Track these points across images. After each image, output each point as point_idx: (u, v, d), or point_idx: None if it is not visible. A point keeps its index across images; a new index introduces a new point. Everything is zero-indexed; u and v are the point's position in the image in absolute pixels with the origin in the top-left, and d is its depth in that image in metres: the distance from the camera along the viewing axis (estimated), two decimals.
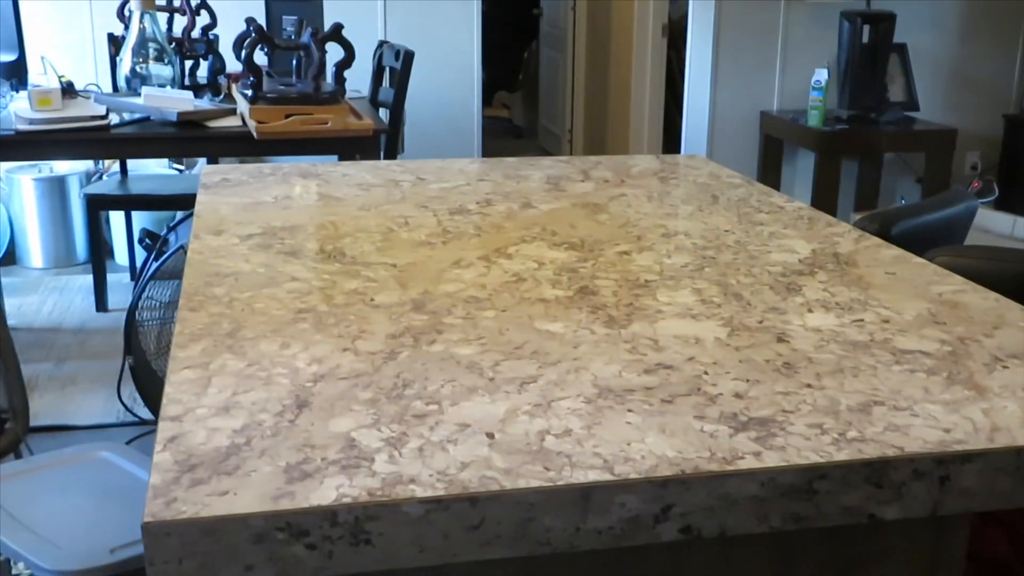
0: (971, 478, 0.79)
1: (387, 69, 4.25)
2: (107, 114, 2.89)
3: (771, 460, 0.76)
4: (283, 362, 0.93)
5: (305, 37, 2.94)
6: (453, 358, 0.94)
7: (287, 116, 2.74)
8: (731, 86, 4.72)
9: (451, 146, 5.06)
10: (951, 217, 2.30)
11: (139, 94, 3.03)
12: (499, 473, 0.73)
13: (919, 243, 1.76)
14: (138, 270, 3.40)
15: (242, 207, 1.50)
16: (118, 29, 3.47)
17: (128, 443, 2.65)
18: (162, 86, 3.15)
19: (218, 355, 0.94)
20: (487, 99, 6.81)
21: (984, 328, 1.05)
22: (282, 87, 2.86)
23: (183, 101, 2.98)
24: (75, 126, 2.79)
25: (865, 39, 4.41)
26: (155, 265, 2.44)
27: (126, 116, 2.94)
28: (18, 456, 1.76)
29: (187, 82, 3.38)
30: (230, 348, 0.96)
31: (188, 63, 3.44)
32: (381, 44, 4.47)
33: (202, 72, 3.51)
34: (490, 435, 0.79)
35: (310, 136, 2.78)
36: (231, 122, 2.93)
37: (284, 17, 4.10)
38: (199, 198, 1.56)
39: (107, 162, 4.28)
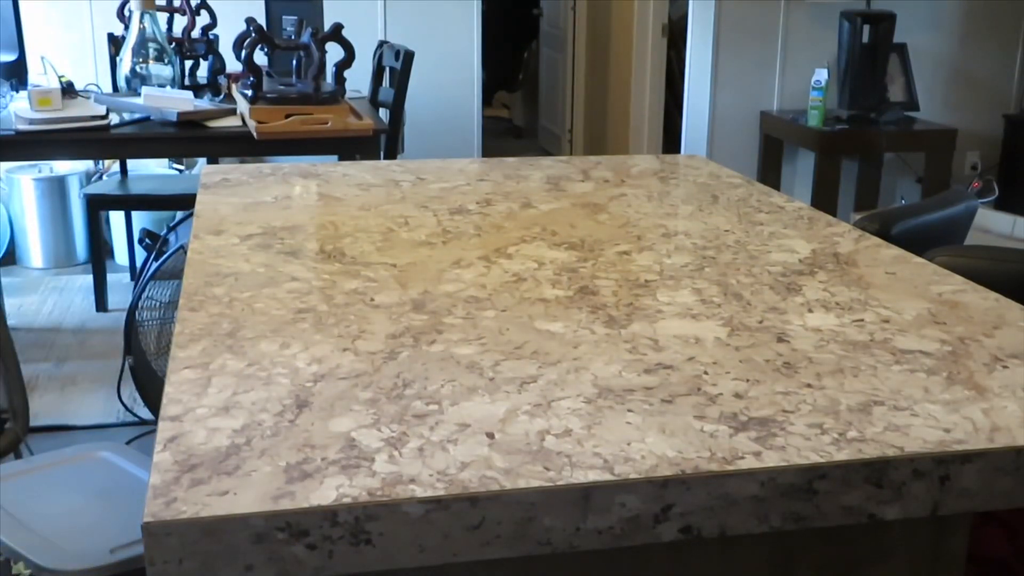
0: (971, 478, 0.79)
1: (387, 69, 4.25)
2: (107, 114, 2.89)
3: (771, 460, 0.76)
4: (283, 362, 0.93)
5: (305, 37, 2.94)
6: (453, 358, 0.94)
7: (287, 116, 2.74)
8: (731, 86, 4.72)
9: (451, 146, 5.06)
10: (951, 217, 2.30)
11: (139, 94, 3.03)
12: (499, 473, 0.73)
13: (919, 243, 1.76)
14: (138, 270, 3.40)
15: (242, 207, 1.50)
16: (118, 29, 3.47)
17: (128, 443, 2.65)
18: (162, 86, 3.15)
19: (218, 355, 0.94)
20: (487, 99, 6.81)
21: (984, 328, 1.05)
22: (282, 87, 2.87)
23: (183, 101, 2.98)
24: (75, 126, 2.79)
25: (865, 39, 4.41)
26: (155, 265, 2.44)
27: (126, 116, 2.94)
28: (18, 456, 1.76)
29: (187, 82, 3.38)
30: (230, 348, 0.96)
31: (188, 63, 3.44)
32: (381, 44, 4.47)
33: (202, 72, 3.51)
34: (490, 435, 0.79)
35: (310, 136, 2.78)
36: (231, 122, 2.93)
37: (284, 17, 4.10)
38: (199, 198, 1.56)
39: (107, 162, 4.28)
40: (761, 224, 1.46)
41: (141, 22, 3.15)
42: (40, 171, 4.18)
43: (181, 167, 4.41)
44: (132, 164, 4.14)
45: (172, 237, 2.59)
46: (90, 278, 3.81)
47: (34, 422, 2.35)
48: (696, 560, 0.85)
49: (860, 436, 0.80)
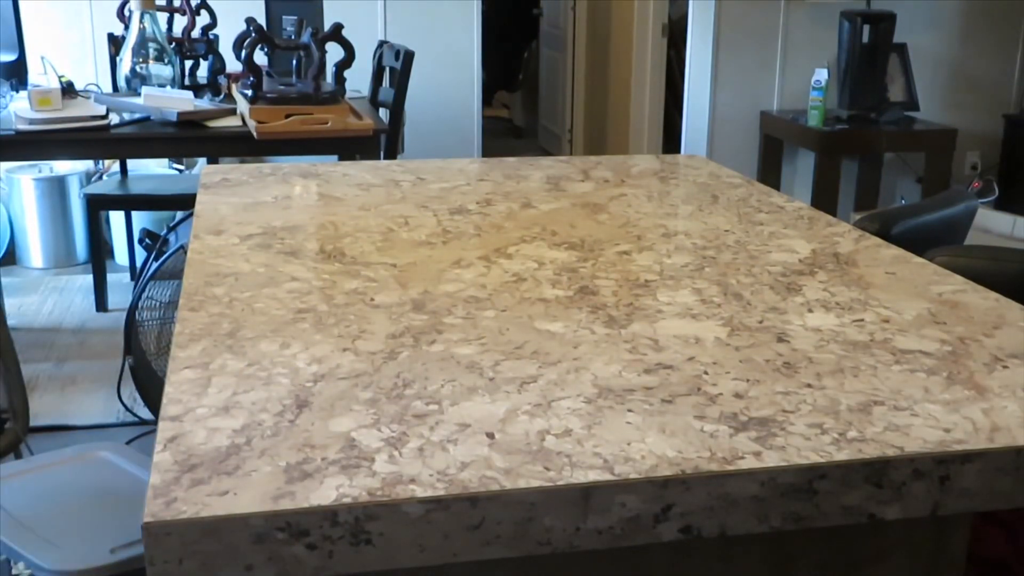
0: (971, 478, 0.79)
1: (387, 69, 4.25)
2: (107, 114, 2.89)
3: (771, 460, 0.76)
4: (283, 362, 0.93)
5: (305, 37, 2.94)
6: (453, 358, 0.94)
7: (287, 116, 2.74)
8: (731, 86, 4.72)
9: (451, 146, 5.06)
10: (951, 217, 2.30)
11: (139, 94, 3.03)
12: (499, 473, 0.73)
13: (919, 243, 1.76)
14: (138, 270, 3.40)
15: (242, 207, 1.50)
16: (118, 29, 3.47)
17: (128, 443, 2.65)
18: (162, 86, 3.15)
19: (218, 355, 0.94)
20: (487, 99, 6.81)
21: (984, 328, 1.05)
22: (282, 87, 2.86)
23: (183, 101, 2.98)
24: (75, 126, 2.79)
25: (865, 39, 4.41)
26: (155, 265, 2.44)
27: (126, 116, 2.94)
28: (18, 456, 1.76)
29: (187, 82, 3.38)
30: (230, 348, 0.96)
31: (188, 63, 3.44)
32: (381, 44, 4.47)
33: (202, 72, 3.51)
34: (490, 435, 0.79)
35: (310, 136, 2.78)
36: (231, 122, 2.93)
37: (284, 17, 4.10)
38: (199, 198, 1.56)
39: (107, 162, 4.28)
40: (761, 224, 1.46)
41: (141, 22, 3.15)
42: (40, 171, 4.18)
43: (181, 167, 4.41)
44: (132, 164, 4.14)
45: (172, 237, 2.59)
46: (90, 278, 3.81)
47: (34, 422, 2.35)
48: (696, 560, 0.85)
49: (860, 436, 0.80)
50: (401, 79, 3.85)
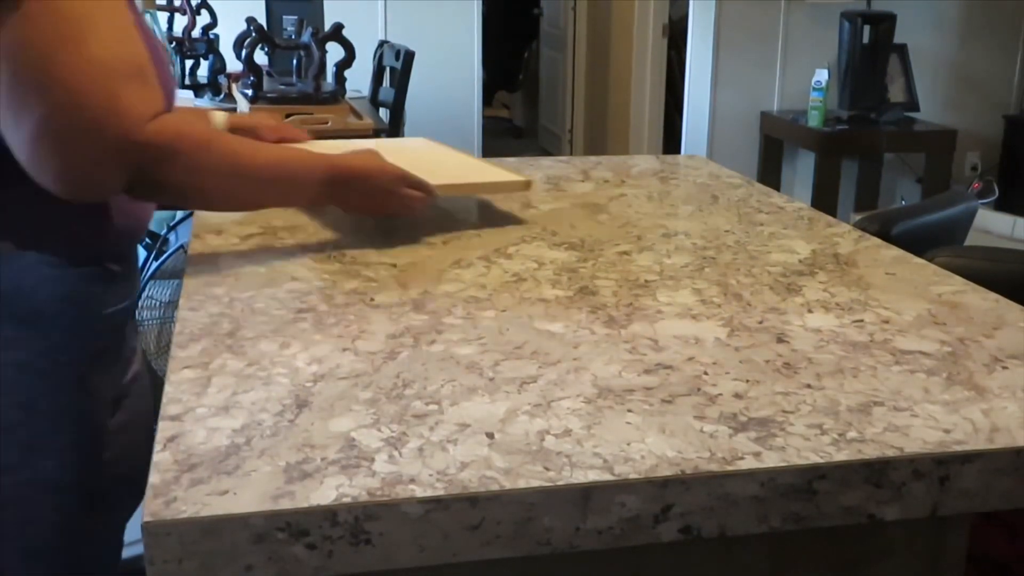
0: (971, 478, 0.79)
1: (387, 69, 4.25)
2: None
3: (771, 460, 0.76)
4: (283, 362, 0.93)
5: (305, 37, 2.94)
6: (453, 358, 0.94)
7: (287, 116, 2.74)
8: (731, 86, 4.72)
9: (451, 146, 5.04)
10: (951, 217, 2.30)
11: None
12: (499, 473, 0.73)
13: (919, 243, 1.77)
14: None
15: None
16: None
17: None
18: None
19: (218, 355, 0.94)
20: (487, 99, 6.82)
21: (984, 329, 1.05)
22: (282, 87, 2.87)
23: (183, 101, 2.98)
24: None
25: (865, 39, 4.41)
26: (155, 265, 2.44)
27: None
28: None
29: (187, 82, 3.38)
30: (230, 348, 0.96)
31: (188, 63, 3.44)
32: (381, 44, 4.47)
33: (202, 72, 3.51)
34: (490, 435, 0.79)
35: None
36: None
37: (284, 17, 4.11)
38: None
39: None
40: (761, 224, 1.46)
41: None
42: None
43: None
44: None
45: (172, 237, 2.59)
46: None
47: None
48: (696, 560, 0.85)
49: (860, 436, 0.80)
50: (401, 79, 3.85)
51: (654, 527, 0.75)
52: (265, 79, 2.78)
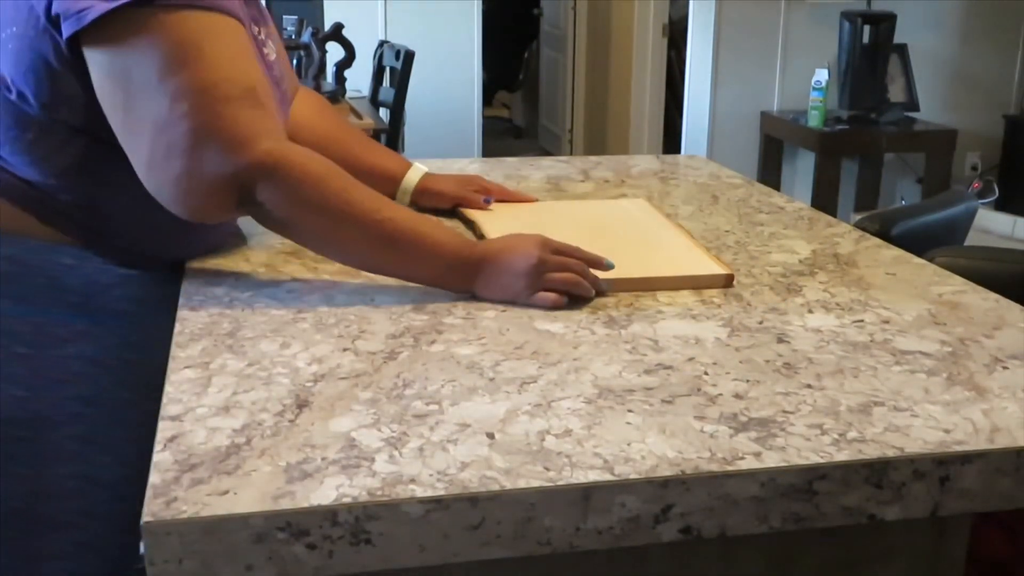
0: (971, 478, 0.79)
1: (387, 69, 4.25)
2: None
3: (771, 460, 0.76)
4: (283, 362, 0.93)
5: (305, 37, 2.94)
6: (453, 358, 0.94)
7: None
8: (731, 86, 4.72)
9: (451, 146, 5.06)
10: (951, 217, 2.30)
11: None
12: (499, 473, 0.73)
13: (919, 243, 1.77)
14: None
15: None
16: None
17: None
18: None
19: (218, 355, 0.94)
20: (487, 99, 6.82)
21: (984, 329, 1.05)
22: None
23: None
24: None
25: (865, 39, 4.41)
26: None
27: None
28: None
29: None
30: (230, 348, 0.96)
31: None
32: (381, 44, 4.47)
33: None
34: (490, 435, 0.79)
35: None
36: None
37: (284, 17, 4.10)
38: None
39: None
40: (761, 224, 1.46)
41: None
42: None
43: None
44: None
45: None
46: None
47: None
48: (696, 560, 0.85)
49: (860, 437, 0.80)
50: (401, 79, 3.85)
51: (654, 527, 0.75)
52: None
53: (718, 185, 1.73)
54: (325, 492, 0.70)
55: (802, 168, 4.82)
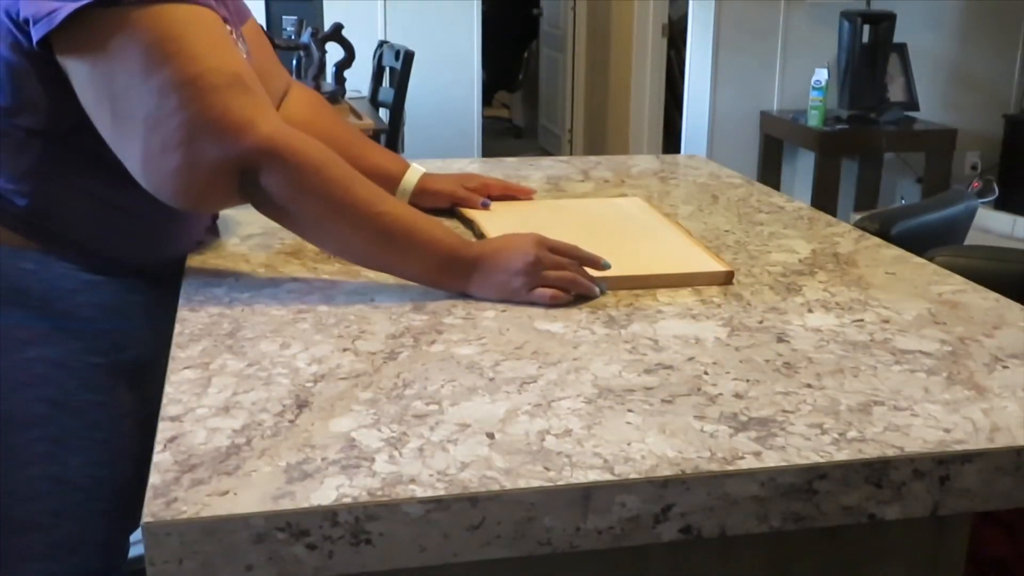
0: (971, 478, 0.79)
1: (387, 69, 4.25)
2: None
3: (771, 460, 0.76)
4: (283, 362, 0.93)
5: (305, 37, 2.94)
6: (453, 358, 0.94)
7: None
8: (731, 86, 4.72)
9: (451, 146, 5.06)
10: (951, 217, 2.30)
11: None
12: (499, 473, 0.73)
13: (919, 243, 1.77)
14: None
15: (242, 207, 1.50)
16: None
17: None
18: None
19: (218, 355, 0.94)
20: (487, 99, 6.82)
21: (984, 328, 1.05)
22: None
23: None
24: None
25: (865, 39, 4.41)
26: None
27: None
28: None
29: None
30: (230, 348, 0.96)
31: None
32: (381, 44, 4.47)
33: None
34: (490, 435, 0.79)
35: None
36: None
37: (284, 17, 4.10)
38: None
39: None
40: (761, 224, 1.46)
41: None
42: None
43: None
44: None
45: None
46: None
47: None
48: (696, 560, 0.85)
49: (860, 436, 0.80)
50: (401, 79, 3.85)
51: (654, 527, 0.75)
52: None
53: (718, 185, 1.73)
54: (325, 492, 0.70)
55: (802, 168, 4.82)
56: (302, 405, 0.84)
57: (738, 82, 4.71)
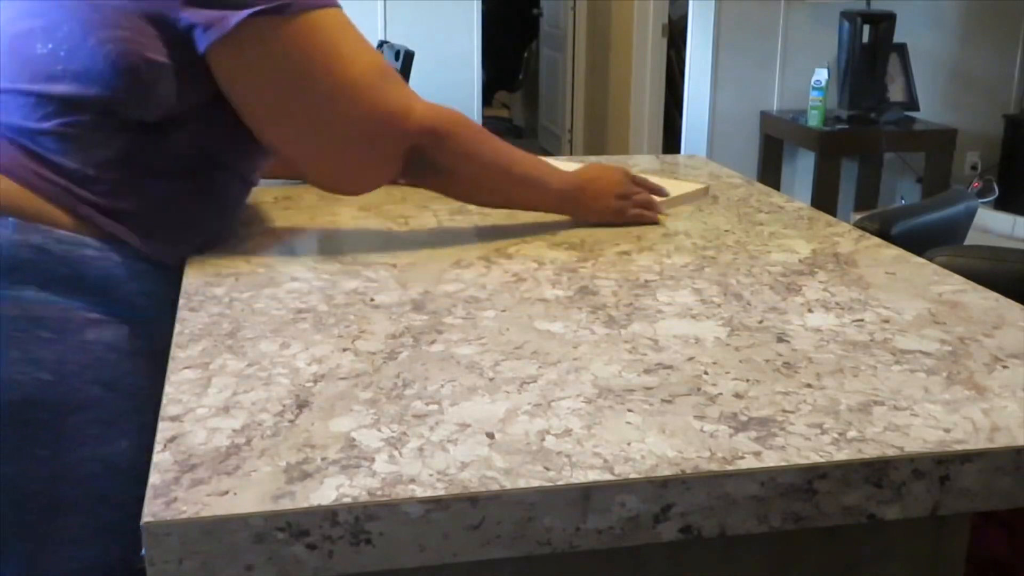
0: (971, 478, 0.79)
1: None
2: None
3: (771, 460, 0.76)
4: (283, 362, 0.93)
5: None
6: (453, 358, 0.94)
7: None
8: (731, 86, 4.72)
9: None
10: (951, 217, 2.30)
11: None
12: (499, 473, 0.73)
13: (919, 243, 1.77)
14: None
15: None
16: None
17: None
18: None
19: (218, 355, 0.94)
20: (487, 99, 6.82)
21: (984, 328, 1.05)
22: None
23: None
24: None
25: (865, 39, 4.41)
26: None
27: None
28: None
29: None
30: (230, 348, 0.96)
31: None
32: (381, 44, 4.47)
33: None
34: (490, 435, 0.79)
35: None
36: None
37: None
38: None
39: None
40: (761, 224, 1.46)
41: None
42: None
43: None
44: None
45: None
46: None
47: None
48: (696, 560, 0.85)
49: (860, 436, 0.80)
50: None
51: (654, 527, 0.75)
52: None
53: (718, 185, 1.73)
54: (325, 492, 0.70)
55: (802, 168, 4.83)
56: (302, 405, 0.84)
57: (738, 82, 4.71)
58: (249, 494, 0.70)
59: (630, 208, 1.41)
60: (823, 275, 1.22)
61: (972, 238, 2.46)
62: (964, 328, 1.05)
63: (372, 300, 1.09)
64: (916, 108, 4.66)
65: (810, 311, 1.09)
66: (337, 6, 1.15)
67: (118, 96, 1.09)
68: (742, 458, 0.76)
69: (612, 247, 1.32)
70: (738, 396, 0.87)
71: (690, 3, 4.77)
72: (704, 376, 0.91)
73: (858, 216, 3.72)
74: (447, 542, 0.72)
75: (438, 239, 1.35)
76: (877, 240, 1.40)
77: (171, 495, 0.70)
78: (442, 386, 0.88)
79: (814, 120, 4.39)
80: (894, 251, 1.34)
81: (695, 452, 0.77)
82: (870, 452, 0.78)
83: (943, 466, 0.78)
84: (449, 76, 5.02)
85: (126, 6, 1.09)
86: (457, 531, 0.71)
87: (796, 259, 1.29)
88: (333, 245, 1.31)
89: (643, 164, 1.92)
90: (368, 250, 1.28)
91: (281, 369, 0.91)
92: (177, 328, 1.00)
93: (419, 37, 4.79)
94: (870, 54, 4.42)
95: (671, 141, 5.62)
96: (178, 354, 0.94)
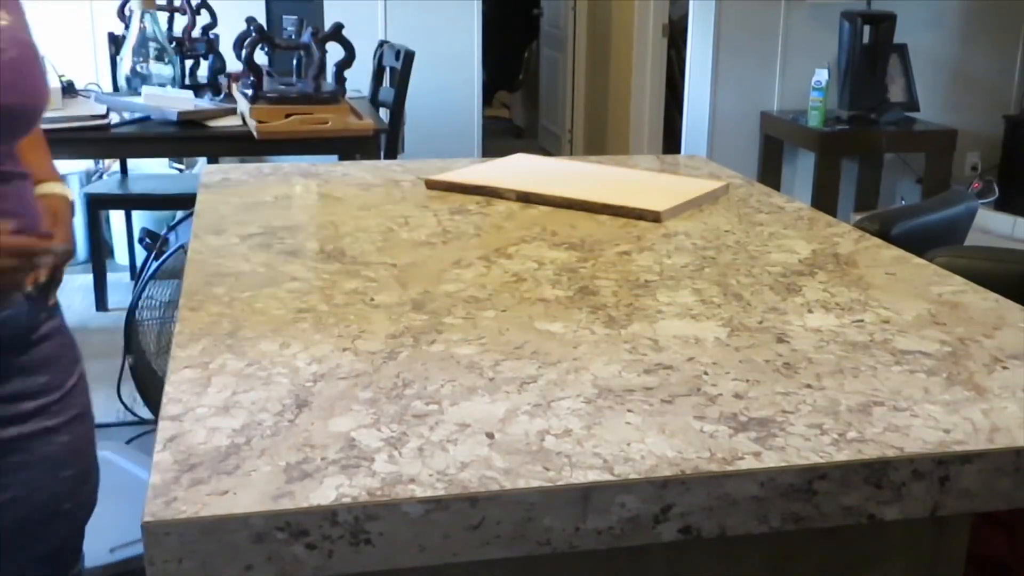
0: (971, 478, 0.79)
1: (387, 69, 4.25)
2: (107, 113, 2.89)
3: (771, 460, 0.76)
4: (283, 362, 0.93)
5: (305, 37, 2.94)
6: (453, 358, 0.94)
7: (287, 116, 2.74)
8: (731, 86, 4.72)
9: (451, 146, 5.05)
10: (951, 217, 2.30)
11: (139, 93, 3.03)
12: (499, 473, 0.73)
13: (919, 243, 1.76)
14: (138, 270, 3.40)
15: (242, 207, 1.50)
16: (118, 29, 3.47)
17: (128, 442, 2.65)
18: (162, 85, 3.15)
19: (218, 355, 0.94)
20: (487, 99, 6.81)
21: (984, 329, 1.05)
22: (282, 87, 2.86)
23: (183, 100, 2.98)
24: (75, 125, 2.79)
25: (865, 39, 4.41)
26: (155, 265, 2.44)
27: (126, 115, 2.94)
28: None
29: (187, 82, 3.38)
30: (230, 348, 0.96)
31: (188, 63, 3.44)
32: (381, 44, 4.47)
33: (202, 72, 3.51)
34: (490, 435, 0.79)
35: (310, 136, 2.78)
36: (231, 122, 2.93)
37: (284, 17, 4.10)
38: (199, 197, 1.56)
39: (107, 161, 4.28)
40: (761, 224, 1.46)
41: (141, 21, 3.15)
42: None
43: (181, 167, 4.41)
44: (132, 163, 4.14)
45: (172, 237, 2.59)
46: (90, 277, 3.81)
47: None
48: (696, 560, 0.85)
49: (860, 436, 0.80)
50: (401, 79, 3.84)
51: (654, 527, 0.75)
52: (265, 79, 2.78)
53: None
54: (325, 492, 0.70)
55: (802, 168, 4.82)
56: (302, 405, 0.84)
57: (738, 82, 4.71)
58: (249, 494, 0.70)
59: None
60: (823, 275, 1.22)
61: (972, 239, 2.46)
62: (964, 329, 1.05)
63: (372, 300, 1.09)
64: (916, 109, 4.66)
65: (810, 311, 1.09)
66: None
67: None
68: (742, 458, 0.76)
69: (612, 247, 1.32)
70: (738, 396, 0.87)
71: (690, 3, 4.77)
72: (704, 376, 0.91)
73: (858, 217, 3.72)
74: (447, 542, 0.72)
75: (438, 239, 1.34)
76: (877, 241, 1.40)
77: (171, 495, 0.70)
78: (442, 386, 0.88)
79: (814, 120, 4.38)
80: (894, 252, 1.34)
81: (695, 452, 0.77)
82: (870, 453, 0.78)
83: (943, 467, 0.78)
84: (449, 76, 5.02)
85: None
86: (457, 531, 0.71)
87: (796, 259, 1.29)
88: (333, 245, 1.31)
89: (643, 164, 1.92)
90: (368, 250, 1.28)
91: (281, 369, 0.91)
92: (177, 328, 1.00)
93: (419, 37, 4.79)
94: (870, 54, 4.41)
95: (671, 141, 5.61)
96: (178, 353, 0.94)
